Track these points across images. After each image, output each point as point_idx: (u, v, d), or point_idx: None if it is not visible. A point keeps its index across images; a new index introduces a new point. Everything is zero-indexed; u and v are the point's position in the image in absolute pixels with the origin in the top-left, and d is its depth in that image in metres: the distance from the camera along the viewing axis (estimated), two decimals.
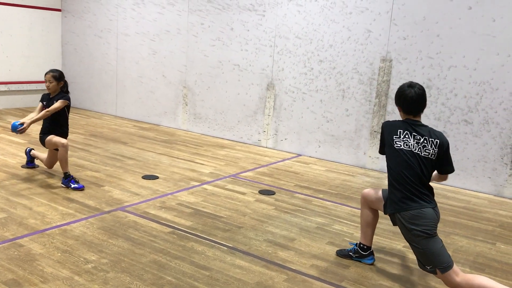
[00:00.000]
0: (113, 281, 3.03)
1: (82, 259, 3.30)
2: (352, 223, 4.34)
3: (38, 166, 5.39)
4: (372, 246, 3.56)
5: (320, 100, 6.71)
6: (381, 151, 3.23)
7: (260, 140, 7.39)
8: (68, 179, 4.75)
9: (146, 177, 5.32)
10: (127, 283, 3.02)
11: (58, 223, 3.89)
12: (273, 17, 6.97)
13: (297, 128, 6.99)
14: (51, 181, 4.97)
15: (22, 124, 4.60)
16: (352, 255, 3.55)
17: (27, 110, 9.08)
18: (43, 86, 9.60)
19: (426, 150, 2.96)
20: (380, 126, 6.20)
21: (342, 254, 3.62)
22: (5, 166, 5.36)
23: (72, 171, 5.11)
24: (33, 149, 5.45)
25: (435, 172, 3.13)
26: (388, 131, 3.09)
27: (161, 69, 8.38)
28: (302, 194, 5.13)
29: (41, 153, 5.31)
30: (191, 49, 7.93)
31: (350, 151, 6.54)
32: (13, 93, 9.26)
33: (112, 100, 9.25)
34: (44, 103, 4.92)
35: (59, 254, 3.35)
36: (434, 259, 2.88)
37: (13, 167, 5.36)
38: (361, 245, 3.51)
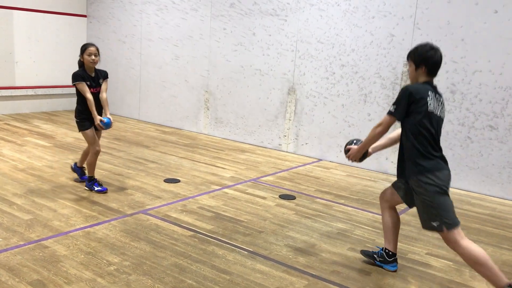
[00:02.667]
0: (135, 284, 3.07)
1: (104, 261, 3.35)
2: (374, 229, 4.30)
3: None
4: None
5: (341, 105, 6.68)
6: (402, 118, 3.05)
7: (280, 145, 7.38)
8: (91, 182, 4.83)
9: (167, 180, 5.37)
10: (148, 285, 3.06)
11: (82, 225, 3.95)
12: (295, 22, 6.98)
13: (318, 133, 6.97)
14: (75, 184, 5.06)
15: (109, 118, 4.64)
16: (376, 257, 3.51)
17: (53, 114, 9.29)
18: (69, 90, 9.84)
19: (442, 111, 3.08)
20: None
21: (366, 254, 3.59)
22: (31, 169, 5.48)
23: (95, 174, 5.19)
24: (76, 162, 5.24)
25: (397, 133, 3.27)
26: (417, 92, 2.97)
27: (184, 74, 8.47)
28: (322, 199, 5.11)
29: (81, 157, 5.14)
30: (214, 54, 7.99)
31: (372, 156, 6.43)
32: (39, 97, 9.48)
33: (136, 104, 9.38)
34: (88, 83, 4.60)
35: (82, 256, 3.41)
36: (442, 212, 2.90)
37: (39, 169, 5.48)
38: (387, 251, 3.47)
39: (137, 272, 3.22)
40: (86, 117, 4.68)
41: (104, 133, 7.74)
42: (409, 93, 2.98)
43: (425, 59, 3.05)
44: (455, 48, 5.68)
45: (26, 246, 3.50)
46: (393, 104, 3.06)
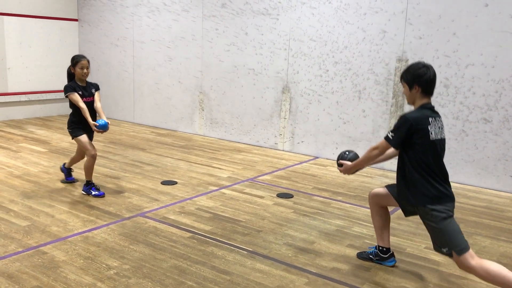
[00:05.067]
0: (135, 287, 3.06)
1: (104, 265, 3.34)
2: (372, 225, 4.30)
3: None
4: (391, 248, 3.53)
5: (336, 102, 6.69)
6: (398, 146, 2.99)
7: (276, 144, 7.39)
8: (89, 187, 4.81)
9: (164, 182, 5.37)
10: None
11: (80, 230, 3.94)
12: (287, 21, 6.98)
13: (313, 131, 6.98)
14: (72, 189, 5.05)
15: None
16: (373, 257, 3.53)
17: (47, 119, 9.25)
18: (62, 95, 9.74)
19: (442, 131, 3.01)
20: None
21: (362, 256, 3.60)
22: (27, 175, 5.46)
23: (92, 178, 5.17)
24: (65, 163, 5.31)
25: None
26: (419, 123, 2.89)
27: (177, 75, 8.46)
28: (320, 196, 5.12)
29: (71, 159, 5.18)
30: (206, 54, 7.99)
31: None
32: (33, 103, 9.43)
33: (130, 107, 9.36)
34: (80, 92, 4.66)
35: (81, 260, 3.40)
36: (451, 240, 2.87)
37: (35, 175, 5.46)
38: (380, 248, 3.48)
39: (137, 275, 3.21)
40: (79, 126, 4.73)
41: (99, 137, 7.72)
42: (410, 125, 2.89)
43: (418, 78, 2.95)
44: (447, 42, 5.71)
45: (25, 253, 3.49)
46: (391, 131, 2.97)
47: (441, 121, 3.01)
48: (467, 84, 5.64)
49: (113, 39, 9.32)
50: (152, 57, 8.76)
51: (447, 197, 2.93)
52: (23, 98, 9.21)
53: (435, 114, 2.99)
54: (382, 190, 3.38)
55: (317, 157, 6.95)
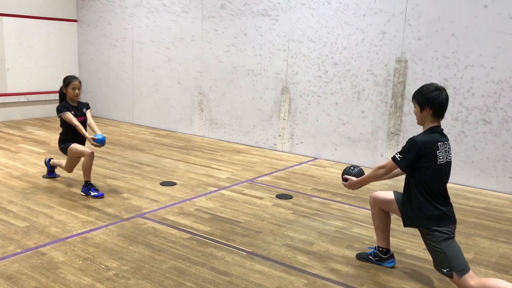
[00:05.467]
0: None
1: (103, 266, 3.34)
2: (371, 226, 4.30)
3: (59, 175, 5.46)
4: (391, 249, 3.53)
5: (335, 103, 6.69)
6: (406, 168, 2.98)
7: (276, 144, 7.39)
8: (88, 187, 4.81)
9: (164, 183, 5.36)
10: None
11: (79, 231, 3.94)
12: (287, 22, 6.98)
13: (312, 132, 6.98)
14: (71, 189, 5.04)
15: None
16: (372, 258, 3.53)
17: (46, 120, 9.24)
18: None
19: (449, 154, 3.00)
20: (397, 127, 6.17)
21: (362, 258, 3.60)
22: (26, 176, 5.45)
23: (91, 179, 5.17)
24: (52, 158, 5.50)
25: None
26: (429, 147, 2.88)
27: (177, 76, 8.45)
28: (319, 197, 5.12)
29: (60, 160, 5.34)
30: (206, 55, 7.99)
31: (367, 154, 6.50)
32: (32, 104, 9.43)
33: (129, 108, 9.35)
34: (73, 112, 4.83)
35: (80, 261, 3.39)
36: (452, 261, 2.87)
37: (34, 176, 5.45)
38: (380, 248, 3.48)
39: (136, 276, 3.21)
40: (70, 142, 4.87)
41: None
42: (418, 148, 2.87)
43: (430, 101, 2.91)
44: (446, 43, 5.71)
45: (24, 254, 3.48)
46: (399, 153, 2.95)
47: (448, 144, 2.99)
48: (466, 85, 5.65)
49: (112, 39, 9.32)
50: (151, 58, 8.76)
51: (449, 218, 2.94)
52: (22, 98, 9.20)
53: (444, 138, 2.97)
54: (387, 195, 3.34)
55: (316, 158, 6.95)
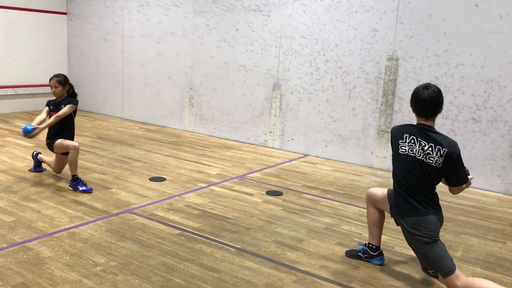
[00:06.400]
0: (122, 284, 3.03)
1: (90, 262, 3.30)
2: (361, 223, 4.32)
3: (45, 169, 5.40)
4: (381, 247, 3.54)
5: (326, 100, 6.69)
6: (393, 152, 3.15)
7: (266, 141, 7.37)
8: (76, 182, 4.76)
9: (153, 179, 5.32)
10: (136, 285, 3.02)
11: (67, 226, 3.89)
12: (279, 18, 6.96)
13: (303, 128, 6.97)
14: (59, 184, 4.98)
15: (34, 129, 4.60)
16: (361, 255, 3.53)
17: (34, 113, 9.13)
18: (50, 90, 9.64)
19: (430, 158, 2.88)
20: (387, 125, 6.18)
21: (351, 254, 3.60)
22: (13, 170, 5.38)
23: (79, 174, 5.11)
24: (40, 153, 5.45)
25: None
26: (394, 135, 3.06)
27: (167, 71, 8.39)
28: (309, 194, 5.11)
29: (48, 157, 5.30)
30: (197, 50, 7.94)
31: (357, 151, 6.51)
32: (20, 97, 9.30)
33: (119, 102, 9.28)
34: (51, 107, 4.92)
35: (67, 257, 3.35)
36: (436, 263, 2.88)
37: (21, 170, 5.38)
38: (370, 245, 3.48)
39: (124, 272, 3.18)
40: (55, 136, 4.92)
41: (87, 131, 7.65)
42: (391, 134, 3.10)
43: (412, 99, 2.99)
44: (437, 41, 5.73)
45: (10, 249, 3.43)
46: None
47: (432, 147, 2.88)
48: (456, 84, 5.67)
49: (102, 33, 9.23)
50: (141, 52, 8.69)
51: (420, 212, 2.90)
52: (10, 91, 9.08)
53: (421, 136, 2.92)
54: (380, 193, 3.34)
55: (306, 155, 6.95)
